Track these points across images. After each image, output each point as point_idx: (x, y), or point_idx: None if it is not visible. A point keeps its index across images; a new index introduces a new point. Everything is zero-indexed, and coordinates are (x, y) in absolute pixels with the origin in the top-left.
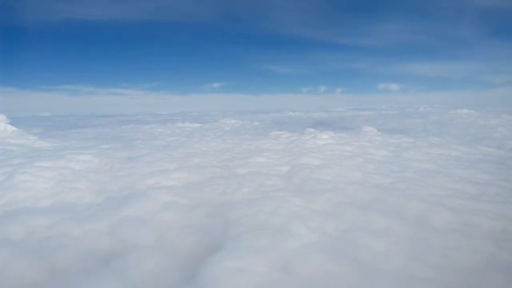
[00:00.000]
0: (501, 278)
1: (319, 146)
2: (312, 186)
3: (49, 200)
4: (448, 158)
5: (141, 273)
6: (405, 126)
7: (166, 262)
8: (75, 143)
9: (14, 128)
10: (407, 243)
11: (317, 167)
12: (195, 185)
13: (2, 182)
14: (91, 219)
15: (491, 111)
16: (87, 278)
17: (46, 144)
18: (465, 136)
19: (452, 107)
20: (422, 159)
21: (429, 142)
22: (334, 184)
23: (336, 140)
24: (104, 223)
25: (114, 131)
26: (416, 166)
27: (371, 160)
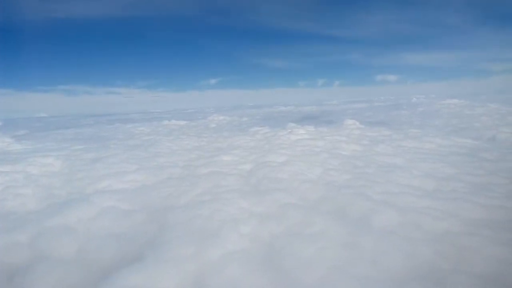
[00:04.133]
0: None
1: (292, 142)
2: (266, 186)
3: None
4: (418, 151)
5: None
6: (391, 118)
7: (74, 277)
8: (50, 144)
9: None
10: (337, 249)
11: (279, 165)
12: (146, 187)
13: None
14: (17, 229)
15: (485, 100)
16: None
17: (19, 146)
18: (447, 127)
19: (447, 97)
20: (391, 153)
21: (405, 135)
22: (289, 183)
23: (312, 135)
24: (28, 233)
25: (96, 131)
26: (382, 160)
27: (337, 155)
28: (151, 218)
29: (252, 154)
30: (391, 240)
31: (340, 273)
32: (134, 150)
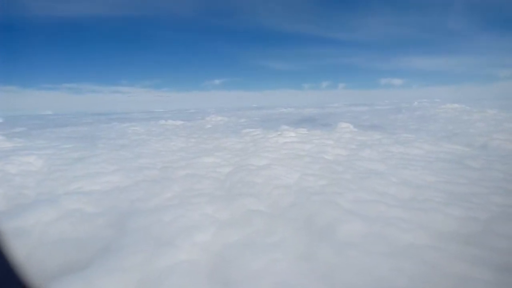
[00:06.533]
0: None
1: (278, 145)
2: (239, 190)
3: None
4: (403, 157)
5: None
6: (387, 122)
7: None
8: (40, 142)
9: None
10: (291, 261)
11: (258, 168)
12: (118, 190)
13: None
14: None
15: (485, 106)
16: None
17: (9, 144)
18: (440, 132)
19: (450, 102)
20: (376, 158)
21: (396, 140)
22: (262, 187)
23: (301, 138)
24: None
25: (92, 130)
26: (363, 166)
27: (320, 159)
28: (112, 222)
29: (235, 156)
30: (350, 252)
31: None
32: (120, 150)
